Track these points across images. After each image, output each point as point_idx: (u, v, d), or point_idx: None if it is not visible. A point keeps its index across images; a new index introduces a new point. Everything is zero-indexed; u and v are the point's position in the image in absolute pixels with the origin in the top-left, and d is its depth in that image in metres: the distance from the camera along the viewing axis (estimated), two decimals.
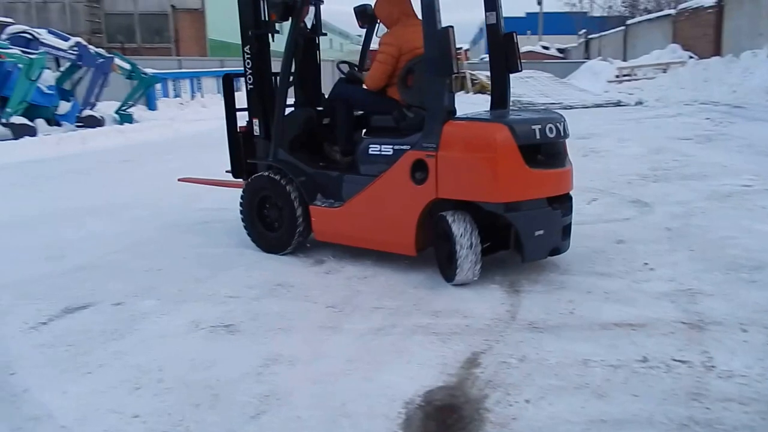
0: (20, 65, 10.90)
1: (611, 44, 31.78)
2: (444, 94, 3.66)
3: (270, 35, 4.58)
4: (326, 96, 4.88)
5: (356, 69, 4.74)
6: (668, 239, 4.63)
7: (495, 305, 3.43)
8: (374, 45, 4.75)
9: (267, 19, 4.49)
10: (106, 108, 13.83)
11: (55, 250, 4.72)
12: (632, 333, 3.02)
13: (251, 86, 4.59)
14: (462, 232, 3.59)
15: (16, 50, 10.90)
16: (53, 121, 12.22)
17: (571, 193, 3.95)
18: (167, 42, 28.74)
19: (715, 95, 17.06)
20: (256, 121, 4.61)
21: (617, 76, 23.10)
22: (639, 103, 18.12)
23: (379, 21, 4.47)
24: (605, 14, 40.09)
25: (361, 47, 5.20)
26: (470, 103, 24.24)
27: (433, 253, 3.94)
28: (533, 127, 3.63)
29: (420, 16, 3.72)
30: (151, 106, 15.70)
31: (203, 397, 2.51)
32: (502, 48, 4.13)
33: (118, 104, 14.14)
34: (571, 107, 18.64)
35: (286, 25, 4.48)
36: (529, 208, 3.62)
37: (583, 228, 4.99)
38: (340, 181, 4.24)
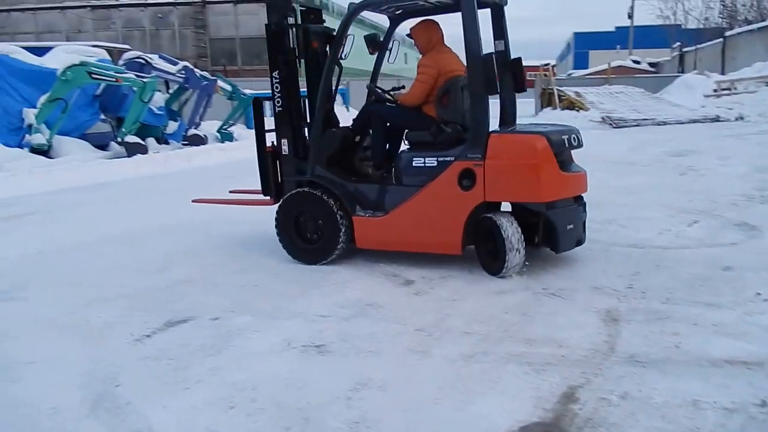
0: (135, 88, 11.71)
1: (708, 57, 30.00)
2: (487, 110, 4.20)
3: (298, 61, 4.91)
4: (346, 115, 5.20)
5: (382, 90, 5.07)
6: None
7: (591, 334, 3.26)
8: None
9: (298, 47, 4.84)
10: (208, 127, 14.60)
11: (160, 263, 4.98)
12: (747, 372, 2.78)
13: (279, 108, 4.85)
14: (511, 231, 4.15)
15: (131, 74, 11.75)
16: (162, 139, 13.05)
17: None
18: (265, 64, 29.97)
19: None
20: (284, 141, 4.88)
21: (715, 90, 21.71)
22: (740, 118, 16.98)
23: (415, 45, 4.78)
24: (701, 26, 37.91)
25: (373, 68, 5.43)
26: (558, 120, 23.78)
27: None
28: (562, 137, 4.29)
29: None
30: (249, 124, 16.39)
31: (294, 420, 2.53)
32: (511, 71, 4.62)
33: (219, 123, 14.88)
34: (665, 123, 17.76)
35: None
36: (563, 206, 4.30)
37: (684, 253, 4.70)
38: (382, 192, 4.65)
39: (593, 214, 6.21)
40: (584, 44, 56.02)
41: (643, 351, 3.04)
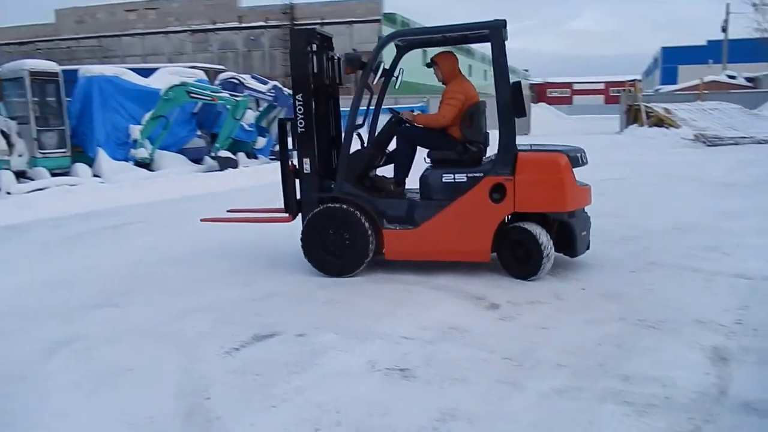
0: (228, 106, 12.25)
1: None
2: (515, 132, 4.70)
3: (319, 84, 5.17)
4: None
5: (398, 113, 5.35)
6: None
7: (698, 374, 3.03)
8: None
9: (328, 72, 5.18)
10: None
11: (248, 276, 5.10)
12: None
13: (302, 129, 5.05)
14: (545, 239, 4.67)
15: (225, 93, 12.30)
16: (251, 154, 13.56)
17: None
18: (348, 82, 30.67)
19: None
20: (306, 160, 5.08)
21: None
22: None
23: (436, 72, 5.18)
24: None
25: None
26: (646, 137, 22.76)
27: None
28: (576, 155, 4.84)
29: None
30: None
31: None
32: (507, 96, 4.75)
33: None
34: (766, 141, 16.58)
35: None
36: (579, 215, 4.90)
37: None
38: (411, 207, 4.98)
39: (692, 240, 5.88)
40: (673, 59, 53.52)
41: (760, 398, 2.78)
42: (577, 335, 3.62)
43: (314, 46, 5.15)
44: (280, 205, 5.52)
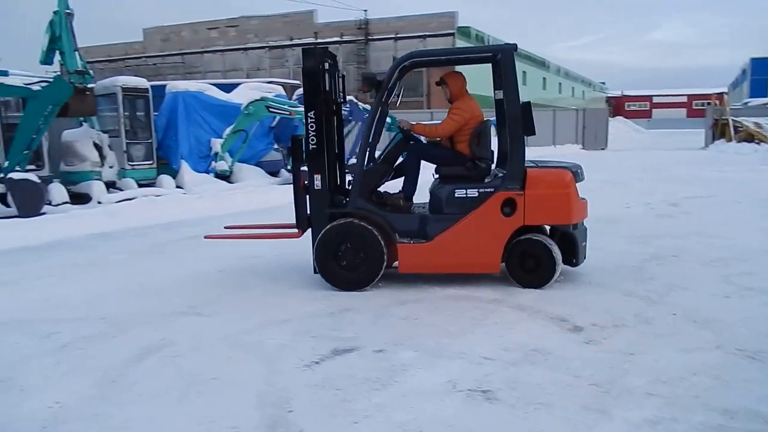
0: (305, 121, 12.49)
1: None
2: (524, 149, 4.96)
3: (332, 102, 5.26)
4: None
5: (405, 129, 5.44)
6: None
7: None
8: None
9: (331, 90, 5.21)
10: None
11: (326, 289, 5.15)
12: None
13: (314, 146, 5.10)
14: (556, 249, 4.96)
15: (302, 108, 12.55)
16: None
17: None
18: (419, 96, 30.74)
19: None
20: (317, 177, 5.12)
21: None
22: None
23: (444, 90, 5.37)
24: None
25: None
26: (734, 153, 21.58)
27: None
28: (577, 171, 5.12)
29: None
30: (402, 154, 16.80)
31: None
32: (522, 115, 4.96)
33: (378, 153, 15.38)
34: None
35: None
36: (580, 227, 5.20)
37: None
38: (424, 221, 5.11)
39: None
40: (763, 70, 50.64)
41: None
42: (668, 363, 3.45)
43: (327, 65, 5.23)
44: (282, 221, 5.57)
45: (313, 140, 5.13)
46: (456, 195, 5.05)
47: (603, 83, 71.43)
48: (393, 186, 5.54)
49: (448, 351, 3.73)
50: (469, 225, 4.97)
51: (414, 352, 3.72)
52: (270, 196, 11.27)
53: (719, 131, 22.41)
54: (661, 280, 5.20)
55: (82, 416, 3.03)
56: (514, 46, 5.01)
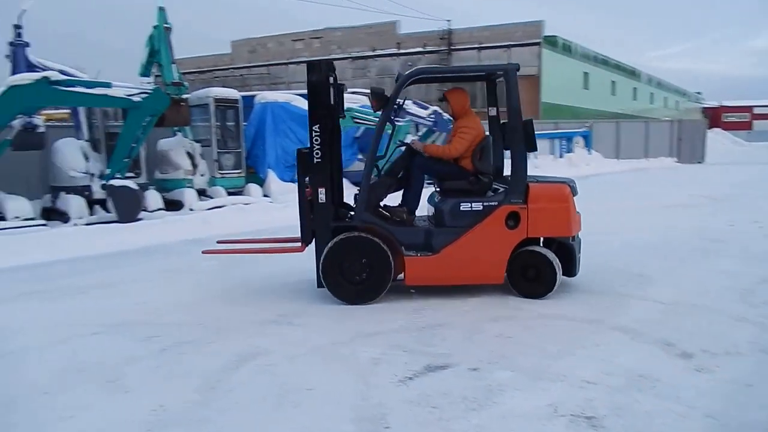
0: (389, 131, 12.53)
1: None
2: (527, 164, 5.10)
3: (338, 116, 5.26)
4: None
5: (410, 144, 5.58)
6: None
7: None
8: None
9: (335, 104, 5.22)
10: None
11: (417, 303, 5.08)
12: None
13: (318, 159, 5.08)
14: (557, 261, 5.12)
15: None
16: None
17: None
18: (503, 106, 30.29)
19: None
20: (321, 190, 5.09)
21: None
22: None
23: (447, 106, 5.58)
24: None
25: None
26: None
27: None
28: (573, 185, 5.30)
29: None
30: None
31: None
32: (524, 132, 5.11)
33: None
34: None
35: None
36: (576, 239, 5.35)
37: None
38: (429, 234, 5.19)
39: None
40: None
41: None
42: None
43: (332, 79, 5.20)
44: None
45: (317, 154, 5.11)
46: (461, 208, 5.15)
47: (699, 93, 67.89)
48: (390, 198, 5.56)
49: (547, 373, 3.58)
50: (475, 237, 5.11)
51: (510, 372, 3.60)
52: None
53: None
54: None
55: (185, 420, 3.10)
56: (516, 66, 5.23)
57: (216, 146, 12.39)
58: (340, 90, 5.33)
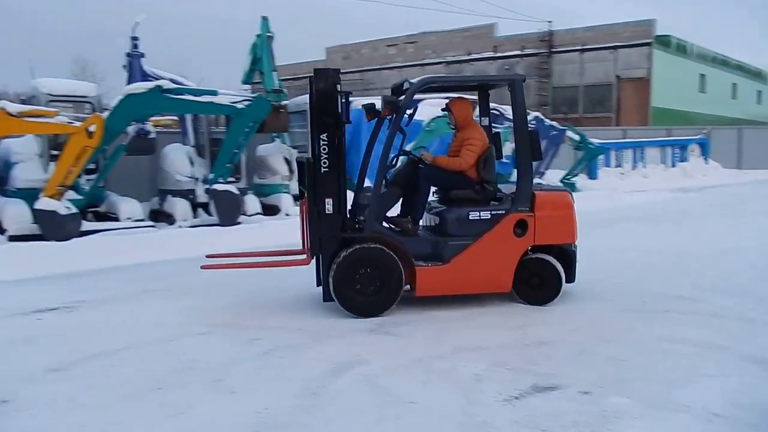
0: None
1: None
2: (533, 173, 5.31)
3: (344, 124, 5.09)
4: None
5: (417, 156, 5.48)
6: None
7: None
8: None
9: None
10: (551, 176, 14.55)
11: (520, 318, 4.91)
12: None
13: (326, 169, 4.94)
14: (561, 268, 5.23)
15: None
16: None
17: None
18: (608, 111, 29.05)
19: None
20: (329, 201, 4.96)
21: None
22: None
23: (449, 117, 5.52)
24: None
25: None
26: None
27: None
28: (572, 194, 5.54)
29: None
30: (592, 175, 15.88)
31: None
32: (530, 142, 5.21)
33: (561, 173, 14.71)
34: None
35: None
36: (576, 246, 5.41)
37: None
38: (438, 243, 5.16)
39: None
40: None
41: None
42: None
43: (339, 86, 5.04)
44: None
45: (325, 163, 4.96)
46: (470, 217, 5.15)
47: None
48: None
49: (666, 401, 3.30)
50: (484, 246, 5.12)
51: (626, 398, 3.35)
52: None
53: None
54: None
55: (288, 425, 3.12)
56: (523, 77, 5.32)
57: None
58: (346, 98, 5.24)
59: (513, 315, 5.00)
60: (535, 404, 3.30)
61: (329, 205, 5.04)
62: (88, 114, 9.61)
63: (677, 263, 6.99)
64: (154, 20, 11.10)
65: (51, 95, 9.65)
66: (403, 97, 5.15)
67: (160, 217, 10.48)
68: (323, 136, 5.00)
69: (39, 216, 8.43)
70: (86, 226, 8.93)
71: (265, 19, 11.57)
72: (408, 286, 5.17)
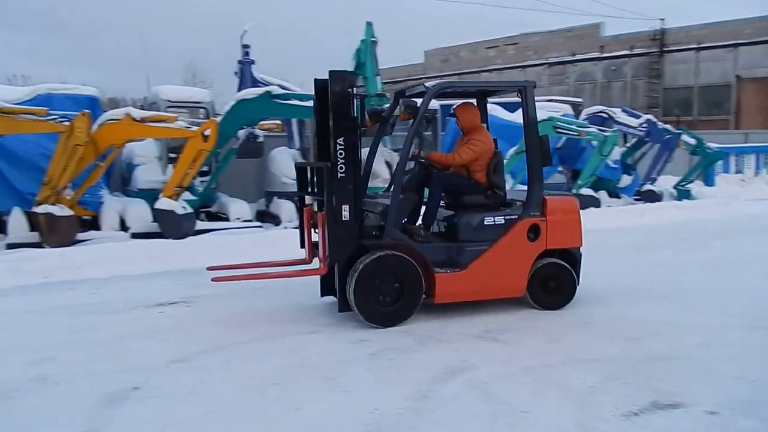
0: (594, 142, 11.86)
1: None
2: (543, 178, 5.28)
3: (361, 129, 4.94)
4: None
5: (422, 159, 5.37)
6: None
7: None
8: None
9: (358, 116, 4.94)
10: (664, 183, 13.80)
11: (633, 331, 4.68)
12: None
13: (342, 175, 4.79)
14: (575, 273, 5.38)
15: (593, 128, 11.94)
16: (614, 193, 12.88)
17: None
18: (725, 114, 27.19)
19: None
20: (345, 207, 4.81)
21: None
22: None
23: (456, 122, 5.53)
24: None
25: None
26: None
27: None
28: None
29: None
30: (709, 182, 14.90)
31: None
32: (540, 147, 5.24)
33: (675, 179, 13.92)
34: None
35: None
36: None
37: None
38: (455, 249, 5.15)
39: None
40: None
41: None
42: None
43: (355, 89, 4.91)
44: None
45: (342, 168, 4.81)
46: (485, 223, 5.16)
47: None
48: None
49: None
50: (500, 251, 5.14)
51: (759, 422, 3.12)
52: None
53: None
54: None
55: (399, 426, 3.15)
56: (533, 84, 5.36)
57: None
58: (362, 101, 5.14)
59: (626, 326, 4.79)
60: (656, 422, 3.15)
61: (345, 212, 4.88)
62: (202, 119, 10.20)
63: None
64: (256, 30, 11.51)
65: (170, 101, 10.32)
66: (420, 101, 5.08)
67: (266, 218, 10.90)
68: (340, 141, 4.85)
69: (158, 215, 9.01)
70: (199, 225, 9.47)
71: (369, 24, 11.75)
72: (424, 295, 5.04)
